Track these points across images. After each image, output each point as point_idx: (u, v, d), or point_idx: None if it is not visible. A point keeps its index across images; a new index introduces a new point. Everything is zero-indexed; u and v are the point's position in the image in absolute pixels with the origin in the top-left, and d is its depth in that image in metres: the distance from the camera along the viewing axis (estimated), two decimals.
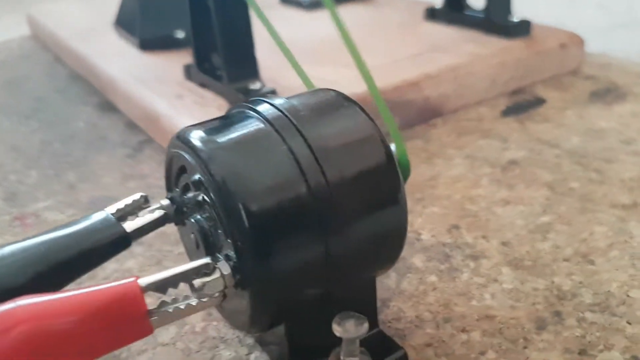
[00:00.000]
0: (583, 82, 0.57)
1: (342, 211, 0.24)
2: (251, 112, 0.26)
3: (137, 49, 0.63)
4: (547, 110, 0.52)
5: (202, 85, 0.51)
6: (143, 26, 0.63)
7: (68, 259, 0.25)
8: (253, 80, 0.47)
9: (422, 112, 0.51)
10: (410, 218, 0.38)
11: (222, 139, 0.24)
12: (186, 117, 0.46)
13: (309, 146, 0.24)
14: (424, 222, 0.38)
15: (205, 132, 0.25)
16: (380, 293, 0.32)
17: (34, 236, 0.25)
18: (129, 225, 0.26)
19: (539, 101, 0.54)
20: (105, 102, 0.61)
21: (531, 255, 0.34)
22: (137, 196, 0.28)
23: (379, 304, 0.32)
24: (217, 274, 0.23)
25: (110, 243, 0.26)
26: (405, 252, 0.35)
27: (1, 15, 1.07)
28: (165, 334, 0.31)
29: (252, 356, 0.29)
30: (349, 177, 0.25)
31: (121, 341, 0.23)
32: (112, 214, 0.27)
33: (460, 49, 0.55)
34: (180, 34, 0.61)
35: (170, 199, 0.28)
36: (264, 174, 0.24)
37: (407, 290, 0.32)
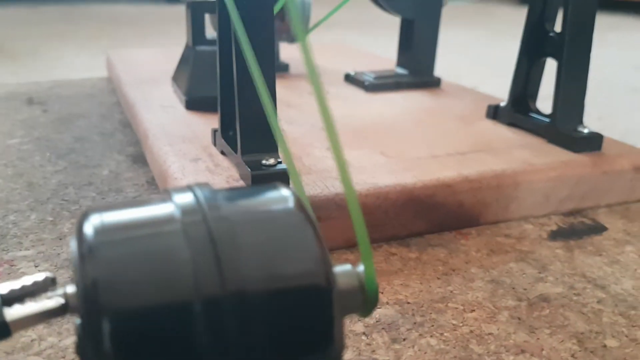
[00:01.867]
0: None
1: (242, 343, 0.19)
2: (170, 203, 0.22)
3: (183, 106, 0.61)
4: (604, 241, 0.44)
5: (222, 152, 0.48)
6: (191, 85, 0.61)
7: None
8: (268, 155, 0.43)
9: (453, 219, 0.44)
10: (399, 347, 0.32)
11: (117, 232, 0.20)
12: (190, 182, 0.42)
13: (218, 263, 0.19)
14: (414, 355, 0.32)
15: (104, 219, 0.21)
16: None
17: None
18: (13, 313, 0.22)
19: (598, 228, 0.46)
20: (140, 154, 0.59)
21: None
22: (41, 276, 0.24)
23: None
24: None
25: None
26: None
27: (94, 55, 1.12)
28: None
29: None
30: (260, 306, 0.20)
31: None
32: (1, 295, 0.23)
33: (512, 155, 0.48)
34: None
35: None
36: (150, 291, 0.19)
37: None
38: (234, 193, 0.22)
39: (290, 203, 0.22)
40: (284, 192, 0.23)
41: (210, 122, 0.56)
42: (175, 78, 0.67)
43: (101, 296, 0.19)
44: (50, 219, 0.46)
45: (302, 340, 0.21)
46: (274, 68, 0.42)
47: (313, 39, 0.85)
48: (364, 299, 0.24)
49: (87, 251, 0.19)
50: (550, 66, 0.53)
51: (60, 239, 0.43)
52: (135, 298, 0.19)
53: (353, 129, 0.54)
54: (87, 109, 0.75)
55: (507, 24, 1.58)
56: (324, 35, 0.78)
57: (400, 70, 0.71)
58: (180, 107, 0.61)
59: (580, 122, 0.51)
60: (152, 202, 0.22)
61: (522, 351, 0.32)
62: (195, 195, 0.22)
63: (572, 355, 0.32)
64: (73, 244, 0.20)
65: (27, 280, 0.23)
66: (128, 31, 1.43)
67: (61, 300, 0.23)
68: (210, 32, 0.65)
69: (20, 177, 0.54)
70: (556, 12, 0.51)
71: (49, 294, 0.24)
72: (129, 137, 0.64)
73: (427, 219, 0.44)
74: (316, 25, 0.60)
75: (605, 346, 0.32)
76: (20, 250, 0.41)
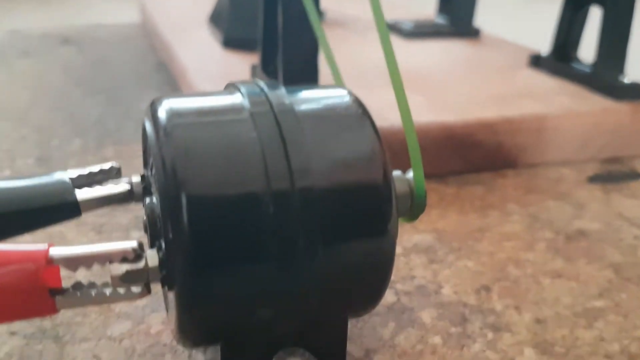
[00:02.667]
0: None
1: (307, 228, 0.20)
2: (238, 94, 0.22)
3: (221, 46, 0.62)
4: None
5: None
6: (230, 25, 0.62)
7: (3, 214, 0.22)
8: None
9: (492, 159, 0.45)
10: (436, 267, 0.33)
11: (190, 116, 0.21)
12: None
13: (285, 147, 0.20)
14: (450, 275, 0.32)
15: (176, 105, 0.21)
16: (368, 342, 0.27)
17: None
18: (83, 194, 0.23)
19: (635, 175, 0.46)
20: (176, 91, 0.60)
21: (567, 341, 0.27)
22: (107, 166, 0.25)
23: (361, 353, 0.26)
24: (141, 264, 0.20)
25: (55, 208, 0.23)
26: (415, 303, 0.30)
27: (124, 3, 1.13)
28: (116, 326, 0.28)
29: None
30: (324, 190, 0.20)
31: (18, 313, 0.20)
32: (70, 178, 0.24)
33: (554, 100, 0.48)
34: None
35: (142, 176, 0.25)
36: (222, 168, 0.20)
37: (401, 345, 0.27)
38: (298, 89, 0.23)
39: (351, 101, 0.23)
40: (344, 91, 0.23)
41: (248, 61, 0.56)
42: (213, 18, 0.67)
43: (179, 173, 0.19)
44: (93, 144, 0.47)
45: (362, 234, 0.21)
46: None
47: None
48: (412, 204, 0.25)
49: (164, 132, 0.20)
50: (594, 15, 0.53)
51: (104, 161, 0.44)
52: (210, 178, 0.19)
53: (385, 72, 0.54)
54: (121, 50, 0.76)
55: None
56: None
57: (440, 20, 0.70)
58: (217, 47, 0.61)
59: (622, 71, 0.50)
60: (220, 93, 0.23)
61: (559, 276, 0.33)
62: (261, 88, 0.22)
63: (609, 282, 0.32)
64: (148, 126, 0.21)
65: (94, 168, 0.24)
66: None
67: (127, 187, 0.24)
68: None
69: (61, 109, 0.55)
70: None
71: (115, 181, 0.25)
72: (165, 77, 0.65)
73: (465, 158, 0.44)
74: None
75: None
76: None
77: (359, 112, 0.22)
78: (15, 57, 0.72)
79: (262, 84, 0.22)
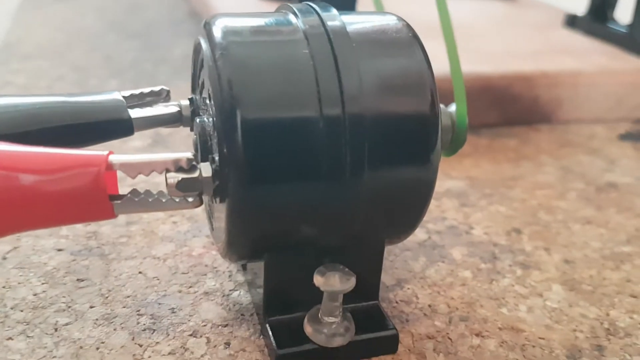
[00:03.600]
0: None
1: (355, 149, 0.21)
2: (291, 15, 0.23)
3: None
4: None
5: None
6: None
7: (59, 127, 0.23)
8: None
9: (528, 112, 0.45)
10: (468, 210, 0.33)
11: (245, 35, 0.21)
12: None
13: (337, 68, 0.21)
14: (482, 217, 0.33)
15: (231, 23, 0.22)
16: (400, 273, 0.28)
17: (36, 95, 0.24)
18: (135, 113, 0.24)
19: None
20: None
21: (594, 280, 0.28)
22: (158, 88, 0.26)
23: (393, 282, 0.27)
24: (195, 174, 0.21)
25: (109, 123, 0.24)
26: (445, 241, 0.30)
27: None
28: (160, 247, 0.29)
29: (235, 294, 0.26)
30: (373, 113, 0.21)
31: (77, 216, 0.21)
32: (123, 97, 0.25)
33: (590, 58, 0.48)
34: None
35: (190, 99, 0.26)
36: (276, 86, 0.20)
37: (431, 277, 0.28)
38: (350, 12, 0.23)
39: (402, 25, 0.23)
40: (394, 16, 0.24)
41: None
42: None
43: (235, 88, 0.20)
44: (130, 85, 0.48)
45: (407, 160, 0.22)
46: None
47: None
48: (453, 137, 0.25)
49: (220, 48, 0.21)
50: None
51: None
52: (264, 95, 0.20)
53: (428, 27, 0.54)
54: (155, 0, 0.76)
55: None
56: None
57: None
58: None
59: None
60: (274, 13, 0.23)
61: (589, 222, 0.33)
62: (314, 9, 0.23)
63: (637, 230, 0.33)
64: (204, 44, 0.22)
65: (146, 89, 0.25)
66: None
67: (176, 108, 0.25)
68: None
69: (97, 51, 0.56)
70: None
71: (165, 103, 0.25)
72: (197, 25, 0.65)
73: (501, 110, 0.44)
74: None
75: None
76: None
77: (410, 35, 0.22)
78: (49, 1, 0.73)
79: (314, 5, 0.23)
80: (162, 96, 0.26)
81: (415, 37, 0.22)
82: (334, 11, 0.22)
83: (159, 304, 0.25)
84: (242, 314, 0.25)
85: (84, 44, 0.57)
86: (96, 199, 0.20)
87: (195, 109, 0.25)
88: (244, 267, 0.28)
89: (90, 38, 0.59)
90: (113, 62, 0.53)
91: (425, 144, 0.22)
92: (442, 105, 0.25)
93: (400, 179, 0.22)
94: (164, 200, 0.21)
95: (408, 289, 0.27)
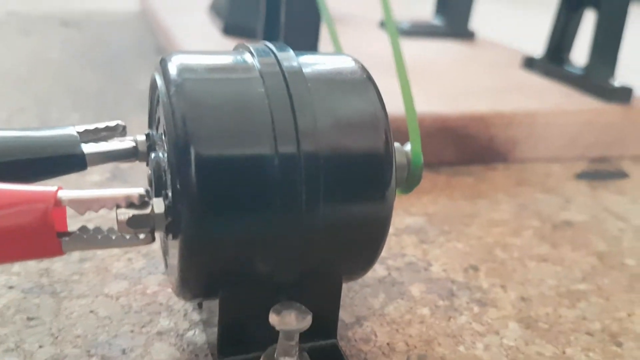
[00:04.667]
0: None
1: (310, 186, 0.21)
2: (248, 54, 0.23)
3: (220, 32, 0.62)
4: (627, 185, 0.45)
5: None
6: (230, 13, 0.62)
7: (9, 162, 0.23)
8: None
9: (484, 151, 0.46)
10: (426, 247, 0.34)
11: (200, 72, 0.22)
12: None
13: (292, 106, 0.21)
14: (440, 254, 0.33)
15: (187, 60, 0.22)
16: (359, 310, 0.28)
17: None
18: (89, 148, 0.24)
19: (621, 174, 0.47)
20: None
21: (550, 318, 0.28)
22: (113, 123, 0.25)
23: (352, 319, 0.27)
24: (147, 210, 0.20)
25: (61, 158, 0.23)
26: (405, 278, 0.30)
27: None
28: (113, 285, 0.28)
29: (190, 333, 0.25)
30: (328, 153, 0.21)
31: (24, 253, 0.20)
32: (78, 133, 0.24)
33: (545, 98, 0.50)
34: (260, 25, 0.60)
35: (147, 134, 0.25)
36: (230, 123, 0.20)
37: (390, 314, 0.28)
38: (305, 52, 0.24)
39: (357, 66, 0.24)
40: (349, 57, 0.24)
41: None
42: (214, 5, 0.68)
43: (188, 124, 0.20)
44: (92, 117, 0.48)
45: (362, 196, 0.22)
46: None
47: None
48: (409, 175, 0.26)
49: (174, 85, 0.21)
50: (587, 21, 0.54)
51: None
52: (218, 130, 0.20)
53: (390, 67, 0.55)
54: (121, 34, 0.76)
55: (539, 0, 1.57)
56: None
57: (436, 20, 0.72)
58: (217, 34, 0.62)
59: (613, 74, 0.52)
60: (230, 52, 0.23)
61: (545, 260, 0.34)
62: (270, 49, 0.23)
63: (592, 267, 0.33)
64: (159, 80, 0.22)
65: (101, 124, 0.25)
66: None
67: (132, 144, 0.25)
68: None
69: (60, 83, 0.55)
70: None
71: (120, 138, 0.25)
72: None
73: (458, 149, 0.45)
74: None
75: (623, 264, 0.34)
76: None
77: (364, 76, 0.23)
78: (15, 35, 0.72)
79: (271, 45, 0.23)
80: (118, 131, 0.26)
81: (370, 78, 0.23)
82: (291, 52, 0.23)
83: (110, 344, 0.24)
84: (196, 355, 0.24)
85: (47, 76, 0.57)
86: (44, 236, 0.20)
87: (152, 144, 0.25)
88: (199, 305, 0.27)
89: (54, 70, 0.59)
90: (76, 95, 0.52)
91: (380, 181, 0.22)
92: (397, 144, 0.25)
93: (356, 215, 0.22)
94: (113, 237, 0.21)
95: (367, 326, 0.27)
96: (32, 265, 0.29)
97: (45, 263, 0.29)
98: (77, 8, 0.92)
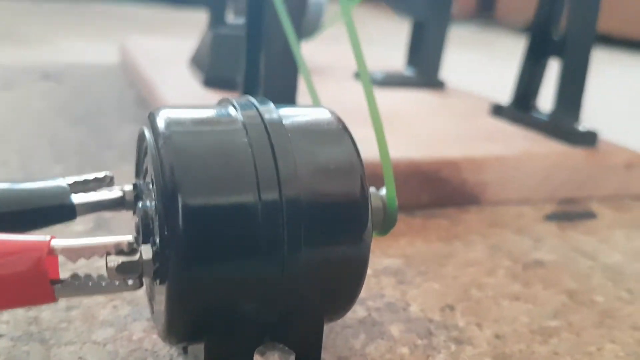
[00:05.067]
0: None
1: (292, 229, 0.22)
2: (231, 108, 0.25)
3: (201, 85, 0.64)
4: (595, 225, 0.47)
5: None
6: (211, 65, 0.64)
7: (3, 213, 0.24)
8: None
9: (456, 195, 0.47)
10: (404, 288, 0.35)
11: (187, 125, 0.23)
12: None
13: (274, 155, 0.22)
14: (418, 294, 0.34)
15: (174, 114, 0.24)
16: (340, 350, 0.29)
17: None
18: (79, 198, 0.25)
19: (590, 215, 0.49)
20: None
21: (524, 354, 0.30)
22: (102, 174, 0.27)
23: (334, 359, 0.28)
24: (135, 256, 0.21)
25: (52, 209, 0.25)
26: (384, 318, 0.31)
27: (104, 46, 1.15)
28: (100, 332, 0.29)
29: None
30: (308, 199, 0.22)
31: (18, 300, 0.21)
32: (67, 184, 0.25)
33: (513, 143, 0.52)
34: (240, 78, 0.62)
35: (134, 184, 0.27)
36: (216, 171, 0.22)
37: (371, 354, 0.29)
38: (285, 105, 0.25)
39: (333, 118, 0.25)
40: (326, 109, 0.26)
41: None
42: (194, 59, 0.70)
43: (176, 174, 0.21)
44: (75, 169, 0.48)
45: (340, 238, 0.23)
46: (300, 29, 0.45)
47: (322, 45, 0.88)
48: (385, 218, 0.27)
49: (162, 137, 0.22)
50: (552, 69, 0.57)
51: None
52: (204, 180, 0.21)
53: (364, 115, 0.58)
54: (101, 86, 0.78)
55: (505, 51, 1.63)
56: (334, 45, 0.83)
57: (408, 71, 0.75)
58: (197, 86, 0.64)
59: (578, 119, 0.54)
60: (215, 105, 0.25)
61: (517, 298, 0.35)
62: (252, 103, 0.24)
63: (563, 305, 0.35)
64: (147, 133, 0.23)
65: (89, 175, 0.26)
66: (135, 30, 1.46)
67: (119, 193, 0.26)
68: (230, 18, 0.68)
69: (42, 136, 0.56)
70: (560, 15, 0.55)
71: (108, 188, 0.26)
72: (144, 110, 0.67)
73: (431, 192, 0.47)
74: (325, 27, 0.63)
75: (593, 300, 0.35)
76: None
77: (340, 127, 0.24)
78: None
79: (253, 99, 0.25)
80: (106, 182, 0.27)
81: (345, 128, 0.24)
82: (271, 105, 0.24)
83: None
84: None
85: (29, 129, 0.58)
86: (37, 284, 0.21)
87: (139, 193, 0.26)
88: (184, 350, 0.28)
89: (36, 123, 0.60)
90: (58, 147, 0.53)
91: (357, 224, 0.24)
92: (373, 189, 0.27)
93: (336, 256, 0.23)
94: (104, 284, 0.21)
95: None
96: (20, 313, 0.29)
97: (33, 311, 0.30)
98: (58, 60, 0.94)
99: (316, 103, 0.32)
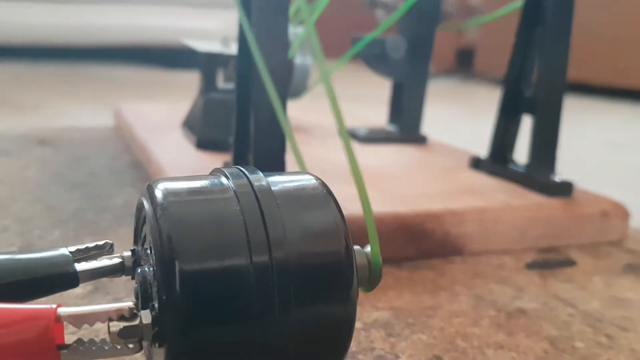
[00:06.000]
0: (621, 254, 0.54)
1: (282, 289, 0.24)
2: (223, 177, 0.27)
3: (194, 147, 0.67)
4: (574, 272, 0.49)
5: None
6: (203, 128, 0.67)
7: (10, 282, 0.25)
8: None
9: (441, 246, 0.49)
10: (394, 340, 0.36)
11: (183, 195, 0.25)
12: None
13: (264, 223, 0.24)
14: (406, 346, 0.36)
15: (171, 185, 0.26)
16: None
17: None
18: (81, 266, 0.27)
19: (569, 262, 0.51)
20: None
21: None
22: (102, 242, 0.28)
23: None
24: (136, 321, 0.23)
25: (56, 277, 0.26)
26: None
27: (98, 110, 1.19)
28: None
29: None
30: (297, 261, 0.24)
31: None
32: (70, 252, 0.27)
33: (492, 196, 0.54)
34: (232, 140, 0.65)
35: (132, 250, 0.28)
36: (211, 239, 0.24)
37: None
38: (273, 173, 0.27)
39: (318, 183, 0.27)
40: (311, 175, 0.28)
41: (219, 159, 0.61)
42: (187, 122, 0.72)
43: (174, 243, 0.23)
44: (73, 234, 0.50)
45: (328, 297, 0.25)
46: (286, 97, 0.48)
47: (307, 104, 0.92)
48: (370, 275, 0.29)
49: (160, 208, 0.24)
50: (525, 124, 0.60)
51: None
52: (200, 247, 0.23)
53: (348, 172, 0.60)
54: (97, 150, 0.80)
55: (484, 103, 1.69)
56: (319, 101, 0.86)
57: (391, 127, 0.78)
58: (191, 148, 0.66)
59: (553, 170, 0.57)
60: (208, 176, 0.27)
61: (501, 347, 0.36)
62: (242, 172, 0.27)
63: (545, 352, 0.36)
64: (146, 204, 0.25)
65: (91, 244, 0.28)
66: (129, 93, 1.50)
67: (119, 260, 0.28)
68: (220, 83, 0.71)
69: (39, 202, 0.58)
70: (531, 74, 0.59)
71: (108, 256, 0.28)
72: (140, 174, 0.69)
73: (416, 245, 0.49)
74: (318, 82, 0.66)
75: (574, 347, 0.37)
76: None
77: (324, 192, 0.27)
78: None
79: (243, 169, 0.27)
80: (106, 249, 0.28)
81: (330, 193, 0.27)
82: (260, 174, 0.27)
83: None
84: None
85: (26, 196, 0.59)
86: (45, 350, 0.22)
87: (137, 259, 0.28)
88: None
89: (32, 190, 0.62)
90: (56, 213, 0.55)
91: (343, 282, 0.25)
92: (357, 247, 0.29)
93: (324, 314, 0.25)
94: (106, 348, 0.23)
95: None
96: None
97: None
98: (53, 125, 0.96)
99: (302, 168, 0.35)
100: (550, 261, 0.51)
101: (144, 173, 0.69)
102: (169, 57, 1.99)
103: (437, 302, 0.42)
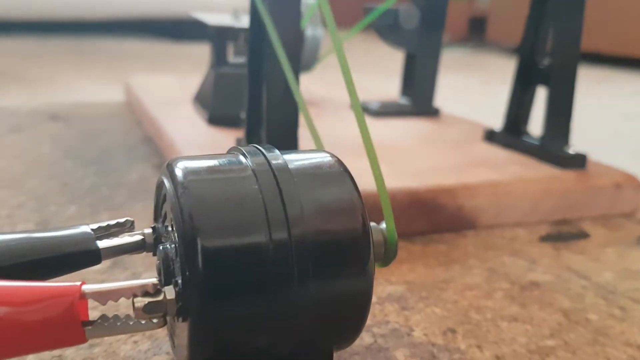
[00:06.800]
0: (634, 226, 0.54)
1: (301, 265, 0.24)
2: (241, 156, 0.27)
3: (205, 122, 0.67)
4: (587, 244, 0.49)
5: None
6: (214, 103, 0.67)
7: (34, 260, 0.26)
8: None
9: (453, 220, 0.50)
10: (408, 313, 0.37)
11: (203, 174, 0.25)
12: None
13: (282, 198, 0.25)
14: (420, 319, 0.36)
15: (190, 164, 0.26)
16: None
17: (10, 232, 0.26)
18: (103, 243, 0.27)
19: (582, 235, 0.51)
20: (163, 162, 0.64)
21: None
22: (123, 220, 0.29)
23: None
24: (160, 297, 0.23)
25: (79, 255, 0.27)
26: (390, 343, 0.33)
27: (109, 84, 1.19)
28: None
29: None
30: (314, 237, 0.25)
31: (51, 343, 0.23)
32: (92, 229, 0.28)
33: (506, 169, 0.54)
34: (244, 115, 0.65)
35: (153, 227, 0.29)
36: (231, 216, 0.24)
37: None
38: (290, 151, 0.28)
39: (334, 161, 0.28)
40: (327, 153, 0.28)
41: (230, 135, 0.61)
42: (198, 97, 0.72)
43: (195, 220, 0.23)
44: (89, 210, 0.51)
45: (345, 272, 0.26)
46: (299, 70, 0.48)
47: (319, 77, 0.91)
48: (386, 251, 0.29)
49: (181, 186, 0.24)
50: (541, 94, 0.60)
51: None
52: (220, 224, 0.24)
53: (361, 147, 0.60)
54: (108, 125, 0.80)
55: (497, 72, 1.67)
56: (330, 72, 0.86)
57: (403, 100, 0.77)
58: (202, 123, 0.67)
59: (567, 142, 0.57)
60: (226, 155, 0.27)
61: (515, 320, 0.37)
62: (260, 150, 0.27)
63: (559, 324, 0.36)
64: (167, 182, 0.25)
65: (112, 221, 0.28)
66: (138, 66, 1.50)
67: (140, 237, 0.28)
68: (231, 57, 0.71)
69: (55, 178, 0.59)
70: (545, 45, 0.58)
71: (129, 233, 0.29)
72: (153, 149, 0.69)
73: (429, 219, 0.49)
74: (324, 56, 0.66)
75: (587, 319, 0.37)
76: None
77: (341, 169, 0.27)
78: (6, 132, 0.76)
79: (260, 147, 0.27)
80: (127, 227, 0.29)
81: (346, 170, 0.27)
82: (277, 152, 0.27)
83: None
84: None
85: (41, 172, 0.60)
86: (70, 327, 0.23)
87: (158, 236, 0.28)
88: None
89: (47, 166, 0.62)
90: (71, 189, 0.55)
91: (360, 257, 0.26)
92: (373, 224, 0.29)
93: (342, 289, 0.25)
94: (131, 323, 0.24)
95: None
96: (45, 352, 0.31)
97: (58, 350, 0.32)
98: (65, 101, 0.97)
99: (318, 144, 0.35)
100: (563, 233, 0.51)
101: (155, 148, 0.69)
102: (178, 29, 1.98)
103: (450, 275, 0.42)
